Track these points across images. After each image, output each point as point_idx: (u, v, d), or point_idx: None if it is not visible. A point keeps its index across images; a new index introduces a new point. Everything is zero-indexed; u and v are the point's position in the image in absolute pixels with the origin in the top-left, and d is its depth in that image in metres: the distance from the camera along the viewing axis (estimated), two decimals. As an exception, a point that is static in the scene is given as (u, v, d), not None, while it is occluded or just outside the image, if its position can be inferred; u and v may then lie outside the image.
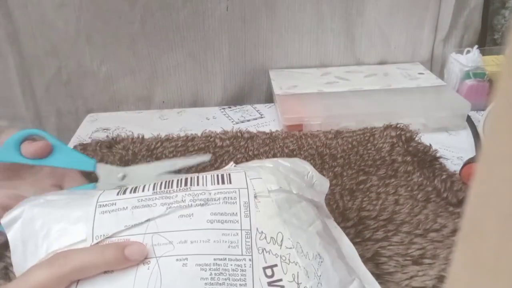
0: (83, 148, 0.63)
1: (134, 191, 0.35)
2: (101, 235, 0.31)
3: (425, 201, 0.50)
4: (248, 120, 0.73)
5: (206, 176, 0.36)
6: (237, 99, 0.82)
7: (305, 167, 0.41)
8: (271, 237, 0.32)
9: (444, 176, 0.54)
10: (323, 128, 0.67)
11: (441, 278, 0.40)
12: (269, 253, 0.31)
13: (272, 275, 0.30)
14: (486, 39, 0.84)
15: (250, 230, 0.32)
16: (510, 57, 0.12)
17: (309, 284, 0.30)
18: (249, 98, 0.83)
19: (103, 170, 0.43)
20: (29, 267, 0.31)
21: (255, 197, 0.34)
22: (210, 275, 0.29)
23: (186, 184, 0.35)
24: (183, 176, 0.36)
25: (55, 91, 0.77)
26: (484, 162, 0.13)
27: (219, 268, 0.30)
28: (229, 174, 0.36)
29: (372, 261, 0.42)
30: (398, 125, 0.65)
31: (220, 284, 0.29)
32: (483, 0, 0.79)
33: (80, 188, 0.44)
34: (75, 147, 0.64)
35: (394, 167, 0.57)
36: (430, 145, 0.61)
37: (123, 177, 0.43)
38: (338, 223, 0.47)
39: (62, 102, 0.78)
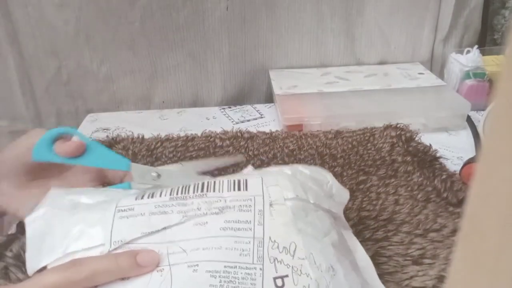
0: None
1: (152, 196, 0.35)
2: (119, 241, 0.32)
3: (425, 201, 0.50)
4: (248, 120, 0.73)
5: (223, 182, 0.36)
6: (237, 99, 0.82)
7: (326, 176, 0.40)
8: (284, 247, 0.31)
9: (444, 176, 0.54)
10: (323, 128, 0.67)
11: (441, 278, 0.40)
12: (280, 263, 0.30)
13: (283, 286, 0.29)
14: (486, 39, 0.84)
15: (263, 238, 0.31)
16: (510, 57, 0.12)
17: None
18: (249, 98, 0.83)
19: (137, 169, 0.43)
20: (42, 265, 0.31)
21: (270, 205, 0.33)
22: (219, 282, 0.29)
23: (202, 189, 0.35)
24: (200, 182, 0.36)
25: (55, 91, 0.77)
26: (484, 162, 0.13)
27: (229, 276, 0.29)
28: (246, 180, 0.35)
29: (372, 261, 0.42)
30: (398, 125, 0.65)
31: None
32: (483, 0, 0.79)
33: (115, 187, 0.43)
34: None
35: (394, 167, 0.57)
36: (430, 145, 0.61)
37: (158, 176, 0.43)
38: (338, 223, 0.47)
39: (62, 102, 0.78)
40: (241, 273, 0.29)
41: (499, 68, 0.72)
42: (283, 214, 0.33)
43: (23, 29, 0.71)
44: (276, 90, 0.74)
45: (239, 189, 0.35)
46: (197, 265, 0.30)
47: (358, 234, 0.46)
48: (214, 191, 0.35)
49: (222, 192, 0.34)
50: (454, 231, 0.46)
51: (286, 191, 0.35)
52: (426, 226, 0.46)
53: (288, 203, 0.34)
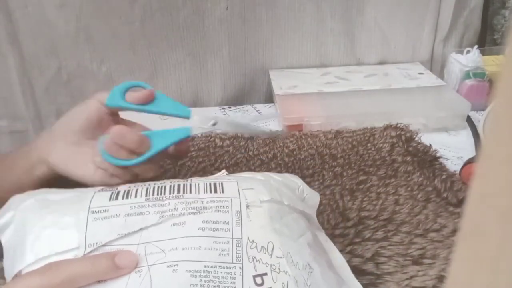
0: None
1: (127, 197, 0.35)
2: (94, 243, 0.31)
3: (425, 201, 0.50)
4: (248, 120, 0.73)
5: (198, 184, 0.36)
6: (237, 99, 0.82)
7: (296, 181, 0.41)
8: (262, 246, 0.32)
9: (444, 176, 0.54)
10: (323, 128, 0.67)
11: (441, 278, 0.40)
12: (259, 262, 0.31)
13: (262, 284, 0.30)
14: (486, 39, 0.84)
15: (241, 238, 0.32)
16: (510, 57, 0.12)
17: None
18: (249, 98, 0.83)
19: (197, 116, 0.47)
20: (16, 272, 0.30)
21: (247, 206, 0.34)
22: (200, 281, 0.29)
23: (178, 191, 0.35)
24: (175, 182, 0.37)
25: (55, 91, 0.77)
26: (484, 162, 0.13)
27: (209, 275, 0.30)
28: (222, 183, 0.36)
29: (372, 261, 0.42)
30: (398, 125, 0.65)
31: None
32: (483, 0, 0.79)
33: (177, 130, 0.45)
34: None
35: (394, 167, 0.57)
36: (430, 145, 0.61)
37: (214, 123, 0.47)
38: (338, 223, 0.47)
39: (62, 102, 0.78)
40: (221, 272, 0.30)
41: (499, 68, 0.72)
42: (259, 215, 0.34)
43: (23, 29, 0.71)
44: (276, 90, 0.74)
45: (215, 191, 0.35)
46: (177, 265, 0.30)
47: (358, 234, 0.46)
48: (190, 192, 0.35)
49: (199, 193, 0.35)
50: (454, 231, 0.46)
51: (261, 194, 0.36)
52: (426, 226, 0.46)
53: (264, 205, 0.35)
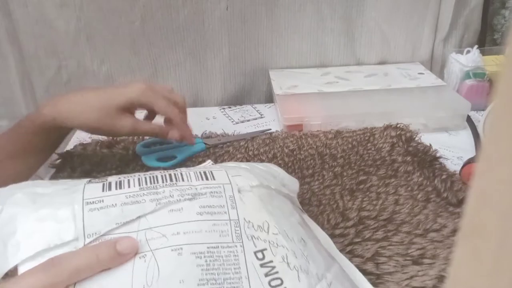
0: (83, 148, 0.63)
1: (120, 187, 0.35)
2: (93, 234, 0.31)
3: (425, 201, 0.50)
4: (248, 120, 0.73)
5: (189, 173, 0.37)
6: (237, 99, 0.82)
7: (276, 170, 0.43)
8: (258, 225, 0.34)
9: (444, 176, 0.54)
10: (323, 128, 0.67)
11: (441, 278, 0.40)
12: (258, 239, 0.33)
13: (263, 258, 0.32)
14: (486, 39, 0.84)
15: (238, 220, 0.33)
16: (510, 57, 0.12)
17: (298, 263, 0.32)
18: (249, 98, 0.83)
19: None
20: (10, 267, 0.30)
21: (239, 191, 0.36)
22: (205, 261, 0.30)
23: (171, 180, 0.36)
24: (166, 172, 0.37)
25: (55, 91, 0.77)
26: (484, 162, 0.13)
27: (213, 255, 0.31)
28: (211, 171, 0.38)
29: (372, 261, 0.42)
30: (398, 125, 0.65)
31: (215, 269, 0.30)
32: (483, 0, 0.79)
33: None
34: (75, 147, 0.64)
35: (394, 167, 0.57)
36: (430, 145, 0.61)
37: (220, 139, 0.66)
38: (338, 223, 0.47)
39: (62, 102, 0.78)
40: (224, 251, 0.31)
41: (499, 68, 0.72)
42: (251, 199, 0.36)
43: (24, 29, 0.71)
44: (276, 90, 0.74)
45: (206, 178, 0.37)
46: (181, 248, 0.31)
47: (358, 234, 0.46)
48: (183, 180, 0.36)
49: (191, 181, 0.36)
50: (454, 231, 0.46)
51: (250, 179, 0.37)
52: (426, 226, 0.46)
53: (254, 189, 0.37)
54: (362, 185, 0.53)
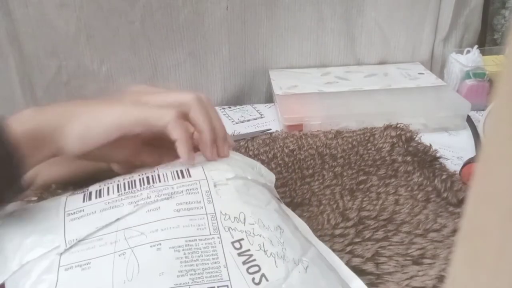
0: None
1: (99, 196, 0.36)
2: (74, 239, 0.32)
3: (425, 201, 0.50)
4: (248, 120, 0.73)
5: (166, 173, 0.38)
6: (237, 99, 0.82)
7: (253, 161, 0.45)
8: (235, 217, 0.35)
9: (444, 176, 0.54)
10: (323, 128, 0.67)
11: (441, 278, 0.40)
12: (234, 230, 0.34)
13: (241, 247, 0.33)
14: (486, 39, 0.84)
15: (215, 213, 0.34)
16: (510, 57, 0.12)
17: (274, 250, 0.33)
18: (249, 98, 0.83)
19: None
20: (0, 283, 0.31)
21: (214, 185, 0.37)
22: (184, 254, 0.31)
23: (148, 182, 0.37)
24: (144, 175, 0.38)
25: (55, 91, 0.77)
26: (484, 162, 0.13)
27: (191, 248, 0.32)
28: (188, 169, 0.39)
29: (372, 261, 0.42)
30: (398, 125, 0.65)
31: (194, 260, 0.31)
32: (483, 0, 0.79)
33: None
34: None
35: (394, 167, 0.57)
36: (430, 145, 0.61)
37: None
38: (338, 223, 0.47)
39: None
40: (202, 243, 0.32)
41: (499, 68, 0.72)
42: (227, 192, 0.37)
43: (24, 29, 0.71)
44: (276, 90, 0.74)
45: (182, 176, 0.38)
46: (160, 243, 0.32)
47: (358, 234, 0.46)
48: (160, 181, 0.37)
49: (168, 181, 0.37)
50: (454, 231, 0.46)
51: (226, 172, 0.39)
52: (426, 226, 0.46)
53: (230, 182, 0.38)
54: (362, 185, 0.53)
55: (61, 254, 0.32)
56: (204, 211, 0.34)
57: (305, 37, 0.79)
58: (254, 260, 0.32)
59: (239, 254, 0.32)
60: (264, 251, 0.33)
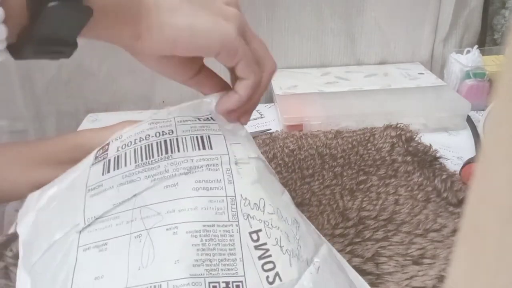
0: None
1: (117, 167, 0.35)
2: (92, 217, 0.32)
3: (425, 201, 0.50)
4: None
5: (185, 139, 0.36)
6: (237, 99, 0.82)
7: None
8: (254, 203, 0.33)
9: (444, 176, 0.54)
10: (323, 128, 0.67)
11: (441, 278, 0.40)
12: (253, 219, 0.32)
13: (258, 239, 0.31)
14: (486, 39, 0.84)
15: (235, 196, 0.32)
16: (510, 57, 0.12)
17: (290, 247, 0.31)
18: (249, 98, 0.83)
19: None
20: (33, 262, 0.32)
21: (236, 163, 0.34)
22: (201, 241, 0.30)
23: (167, 151, 0.35)
24: (161, 138, 0.36)
25: (55, 91, 0.77)
26: (484, 162, 0.13)
27: (208, 234, 0.30)
28: (209, 137, 0.36)
29: (372, 261, 0.42)
30: (398, 125, 0.65)
31: (211, 249, 0.30)
32: (483, 0, 0.79)
33: None
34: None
35: (394, 167, 0.57)
36: (430, 145, 0.61)
37: None
38: (338, 223, 0.47)
39: (62, 102, 0.78)
40: (220, 230, 0.31)
41: (499, 68, 0.72)
42: (249, 172, 0.34)
43: (23, 29, 0.71)
44: (276, 90, 0.74)
45: (203, 147, 0.35)
46: (176, 227, 0.30)
47: (358, 234, 0.46)
48: (179, 151, 0.35)
49: (187, 151, 0.35)
50: (454, 231, 0.46)
51: (248, 150, 0.36)
52: (426, 226, 0.46)
53: (252, 161, 0.35)
54: (362, 185, 0.53)
55: (80, 232, 0.31)
56: (224, 192, 0.32)
57: (305, 37, 0.79)
58: (270, 256, 0.31)
59: (256, 247, 0.31)
60: (281, 246, 0.31)
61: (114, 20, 0.32)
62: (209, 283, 0.28)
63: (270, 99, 0.81)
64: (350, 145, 0.62)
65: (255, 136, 0.66)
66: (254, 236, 0.31)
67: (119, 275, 0.29)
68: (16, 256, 0.43)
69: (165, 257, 0.29)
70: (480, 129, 0.64)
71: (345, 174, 0.56)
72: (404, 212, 0.49)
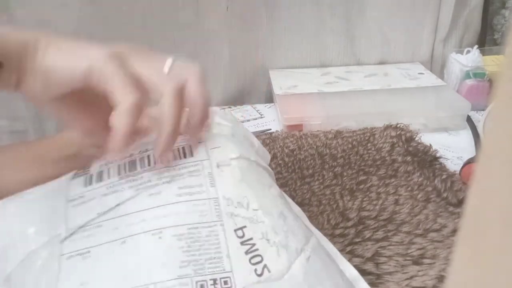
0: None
1: (101, 179, 0.35)
2: (74, 227, 0.32)
3: (425, 201, 0.50)
4: (248, 120, 0.73)
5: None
6: (237, 99, 0.82)
7: (252, 135, 0.43)
8: (238, 202, 0.33)
9: (444, 176, 0.54)
10: (323, 128, 0.67)
11: (441, 278, 0.40)
12: (237, 217, 0.33)
13: (243, 236, 0.32)
14: (486, 39, 0.84)
15: (218, 198, 0.33)
16: (510, 57, 0.12)
17: (277, 239, 0.32)
18: (249, 98, 0.83)
19: None
20: (8, 273, 0.31)
21: (217, 166, 0.35)
22: (186, 243, 0.31)
23: (149, 163, 0.36)
24: (145, 154, 0.37)
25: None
26: (484, 162, 0.13)
27: (193, 236, 0.31)
28: (190, 146, 0.37)
29: (372, 261, 0.42)
30: (398, 125, 0.65)
31: (197, 250, 0.30)
32: (483, 0, 0.79)
33: None
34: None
35: (394, 167, 0.57)
36: (430, 145, 0.61)
37: None
38: (338, 223, 0.47)
39: (62, 102, 0.78)
40: (205, 231, 0.31)
41: (499, 68, 0.72)
42: (231, 173, 0.35)
43: (24, 29, 0.71)
44: (276, 90, 0.74)
45: (184, 156, 0.36)
46: (161, 232, 0.31)
47: (358, 234, 0.46)
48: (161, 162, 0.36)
49: (169, 162, 0.36)
50: (454, 231, 0.46)
51: (229, 151, 0.37)
52: (426, 226, 0.46)
53: (233, 162, 0.36)
54: (362, 185, 0.53)
55: (62, 242, 0.32)
56: (206, 195, 0.33)
57: (305, 37, 0.79)
58: (257, 249, 0.31)
59: (242, 243, 0.31)
60: (267, 240, 0.32)
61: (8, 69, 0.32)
62: (197, 282, 0.29)
63: (270, 99, 0.81)
64: (350, 145, 0.62)
65: (255, 136, 0.66)
66: (240, 233, 0.32)
67: (105, 281, 0.30)
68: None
69: (152, 261, 0.30)
70: (480, 129, 0.64)
71: (345, 174, 0.56)
72: (404, 212, 0.49)
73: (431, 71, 0.80)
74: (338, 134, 0.65)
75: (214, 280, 0.29)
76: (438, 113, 0.68)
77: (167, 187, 0.34)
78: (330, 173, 0.56)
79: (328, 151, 0.61)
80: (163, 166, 0.35)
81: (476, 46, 0.74)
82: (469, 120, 0.68)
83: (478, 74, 0.72)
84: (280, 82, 0.76)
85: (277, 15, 0.76)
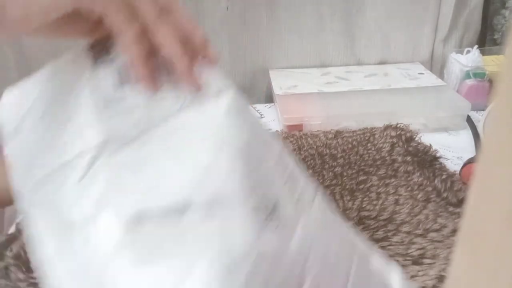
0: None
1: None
2: (119, 138, 0.29)
3: (425, 201, 0.50)
4: (248, 120, 0.73)
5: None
6: (237, 99, 0.82)
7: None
8: None
9: (444, 176, 0.54)
10: (323, 128, 0.67)
11: (441, 278, 0.40)
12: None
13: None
14: (486, 39, 0.84)
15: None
16: (510, 57, 0.12)
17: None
18: (249, 98, 0.83)
19: None
20: (36, 180, 0.28)
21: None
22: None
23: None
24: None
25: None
26: (484, 162, 0.13)
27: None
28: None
29: (372, 261, 0.42)
30: (398, 125, 0.65)
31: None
32: (483, 0, 0.79)
33: None
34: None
35: (394, 167, 0.57)
36: (430, 145, 0.61)
37: None
38: (338, 223, 0.47)
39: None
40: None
41: (499, 68, 0.72)
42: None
43: (23, 29, 0.71)
44: (276, 90, 0.74)
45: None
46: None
47: (358, 234, 0.46)
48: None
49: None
50: (454, 231, 0.46)
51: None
52: (426, 226, 0.46)
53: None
54: (362, 185, 0.53)
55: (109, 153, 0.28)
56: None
57: (305, 37, 0.79)
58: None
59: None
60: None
61: None
62: None
63: (270, 99, 0.81)
64: (350, 145, 0.62)
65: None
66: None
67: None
68: (16, 257, 0.43)
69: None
70: (480, 129, 0.64)
71: (345, 174, 0.56)
72: (404, 212, 0.49)
73: (431, 71, 0.80)
74: (338, 134, 0.65)
75: None
76: (438, 113, 0.68)
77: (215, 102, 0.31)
78: (330, 173, 0.56)
79: (328, 151, 0.61)
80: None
81: (476, 46, 0.74)
82: (469, 120, 0.68)
83: (478, 74, 0.72)
84: (280, 82, 0.76)
85: (277, 15, 0.76)
